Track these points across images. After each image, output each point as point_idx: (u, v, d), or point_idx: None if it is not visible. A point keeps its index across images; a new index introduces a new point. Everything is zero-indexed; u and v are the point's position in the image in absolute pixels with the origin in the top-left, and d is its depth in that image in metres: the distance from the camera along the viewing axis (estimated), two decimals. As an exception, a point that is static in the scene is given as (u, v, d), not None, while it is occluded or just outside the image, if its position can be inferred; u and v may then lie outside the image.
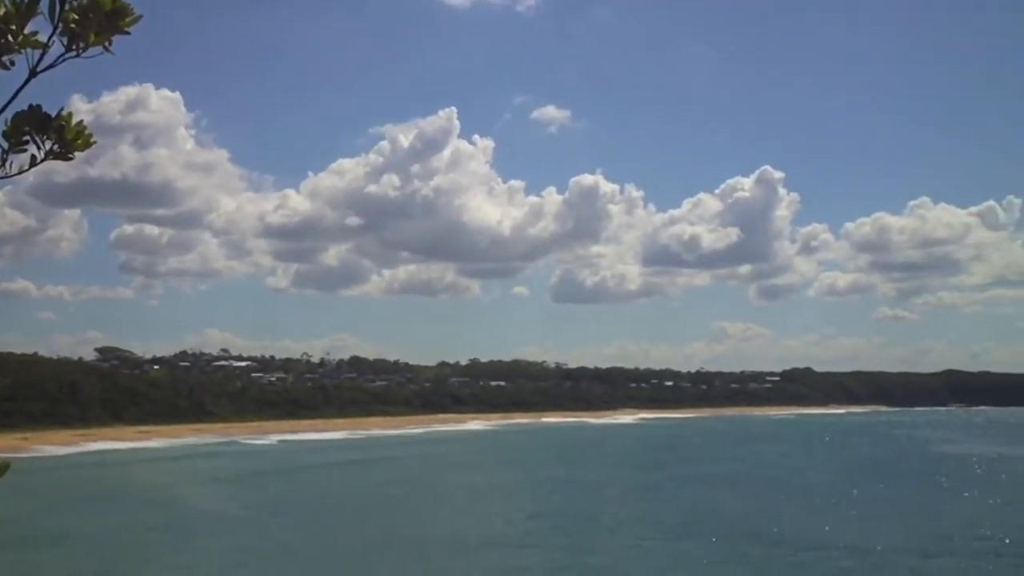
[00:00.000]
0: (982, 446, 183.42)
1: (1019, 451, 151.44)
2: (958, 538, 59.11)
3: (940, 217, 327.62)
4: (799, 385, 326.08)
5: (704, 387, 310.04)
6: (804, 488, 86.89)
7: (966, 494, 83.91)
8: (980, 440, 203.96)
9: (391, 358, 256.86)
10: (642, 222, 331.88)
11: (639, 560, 51.53)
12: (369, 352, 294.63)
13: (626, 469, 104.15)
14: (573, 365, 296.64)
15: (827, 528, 61.27)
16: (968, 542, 58.02)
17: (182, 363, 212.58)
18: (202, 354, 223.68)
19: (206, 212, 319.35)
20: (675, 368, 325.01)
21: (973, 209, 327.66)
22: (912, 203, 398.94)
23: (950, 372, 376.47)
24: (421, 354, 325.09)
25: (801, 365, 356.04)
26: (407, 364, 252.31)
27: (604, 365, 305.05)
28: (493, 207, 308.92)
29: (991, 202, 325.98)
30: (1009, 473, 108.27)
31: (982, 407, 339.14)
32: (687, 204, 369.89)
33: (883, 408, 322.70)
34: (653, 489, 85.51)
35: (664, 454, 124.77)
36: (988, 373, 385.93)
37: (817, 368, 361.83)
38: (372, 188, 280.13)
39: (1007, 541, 57.85)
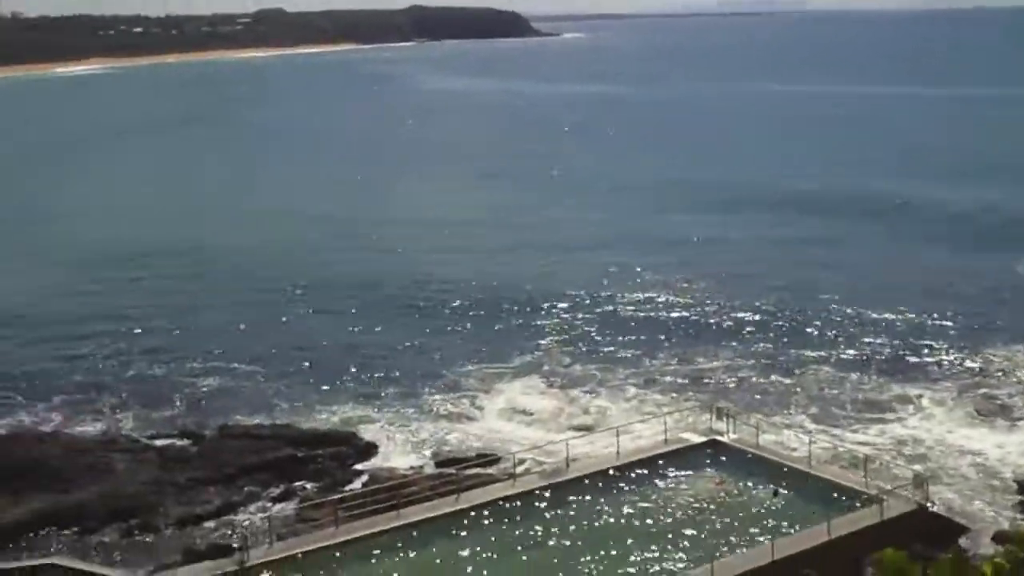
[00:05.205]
0: (435, 77, 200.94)
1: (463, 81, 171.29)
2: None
3: None
4: (271, 27, 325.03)
5: (175, 32, 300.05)
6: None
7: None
8: (435, 72, 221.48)
9: None
10: None
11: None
12: None
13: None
14: (34, 15, 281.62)
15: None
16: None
17: None
18: None
19: None
20: (145, 13, 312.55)
21: None
22: None
23: (415, 7, 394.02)
24: None
25: (272, 6, 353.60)
26: None
27: (68, 12, 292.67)
28: None
29: None
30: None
31: (445, 40, 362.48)
32: None
33: (353, 46, 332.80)
34: None
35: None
36: (449, 9, 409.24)
37: (288, 9, 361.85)
38: None
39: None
